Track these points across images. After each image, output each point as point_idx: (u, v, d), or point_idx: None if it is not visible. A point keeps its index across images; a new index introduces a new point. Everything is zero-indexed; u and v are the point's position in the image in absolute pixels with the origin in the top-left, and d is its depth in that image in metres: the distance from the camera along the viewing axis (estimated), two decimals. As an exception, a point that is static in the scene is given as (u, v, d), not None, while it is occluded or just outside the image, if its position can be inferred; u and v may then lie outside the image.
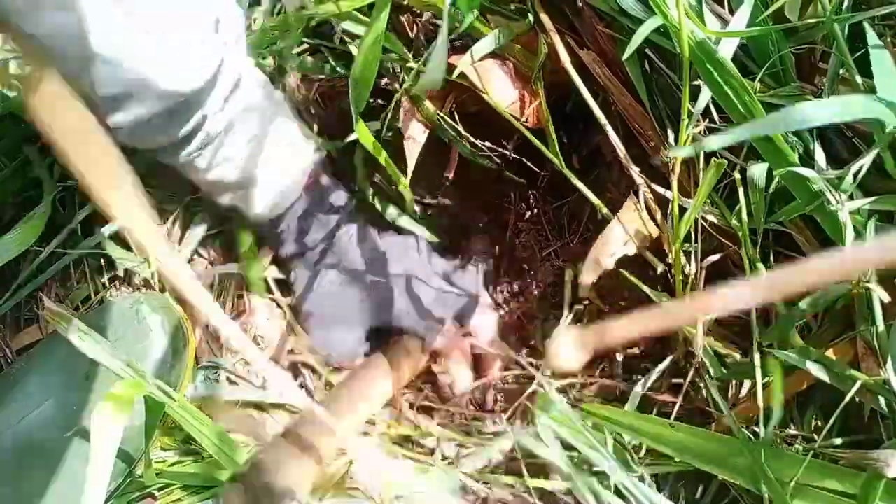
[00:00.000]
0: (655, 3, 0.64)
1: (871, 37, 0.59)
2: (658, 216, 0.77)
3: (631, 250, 0.75)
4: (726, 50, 0.63)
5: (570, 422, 0.69)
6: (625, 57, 0.69)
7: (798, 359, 0.62)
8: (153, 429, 0.64)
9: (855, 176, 0.61)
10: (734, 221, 0.69)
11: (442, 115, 0.85)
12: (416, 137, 0.86)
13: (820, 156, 0.64)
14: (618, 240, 0.75)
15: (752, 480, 0.62)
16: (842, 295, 0.63)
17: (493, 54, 0.85)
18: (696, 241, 0.70)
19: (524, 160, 0.84)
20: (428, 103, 0.85)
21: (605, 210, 0.79)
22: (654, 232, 0.76)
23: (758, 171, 0.66)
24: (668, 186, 0.75)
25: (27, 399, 0.66)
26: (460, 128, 0.85)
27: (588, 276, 0.76)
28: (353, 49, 0.85)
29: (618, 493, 0.66)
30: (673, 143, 0.75)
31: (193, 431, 0.66)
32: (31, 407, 0.66)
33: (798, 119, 0.49)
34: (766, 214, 0.69)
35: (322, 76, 0.90)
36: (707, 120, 0.69)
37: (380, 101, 0.90)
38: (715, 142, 0.47)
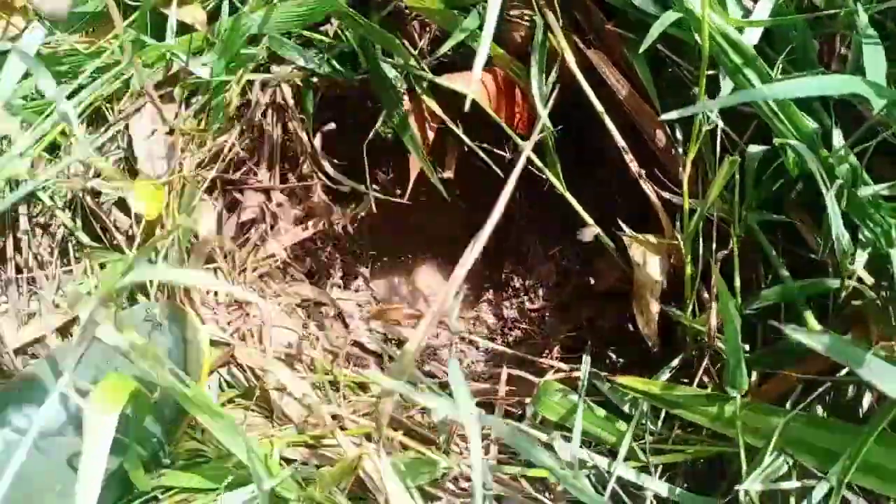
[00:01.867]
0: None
1: (867, 28, 0.62)
2: (663, 217, 0.78)
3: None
4: (751, 38, 0.64)
5: (571, 409, 0.70)
6: (641, 50, 0.69)
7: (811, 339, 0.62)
8: (141, 421, 0.63)
9: (860, 157, 0.62)
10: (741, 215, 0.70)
11: (445, 116, 0.85)
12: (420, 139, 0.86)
13: (839, 140, 0.64)
14: (649, 280, 0.76)
15: (731, 428, 0.63)
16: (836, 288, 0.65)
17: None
18: (714, 237, 0.70)
19: (528, 167, 0.83)
20: (433, 104, 0.85)
21: (611, 245, 0.80)
22: (664, 245, 0.77)
23: (755, 150, 0.67)
24: (668, 187, 0.75)
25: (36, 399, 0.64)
26: (459, 131, 0.85)
27: (650, 326, 0.76)
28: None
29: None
30: (681, 141, 0.76)
31: (204, 420, 0.64)
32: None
33: (801, 88, 0.55)
34: (773, 207, 0.71)
35: (319, 73, 0.88)
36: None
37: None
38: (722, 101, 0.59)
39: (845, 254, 0.63)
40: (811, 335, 0.54)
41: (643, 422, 0.68)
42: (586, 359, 0.73)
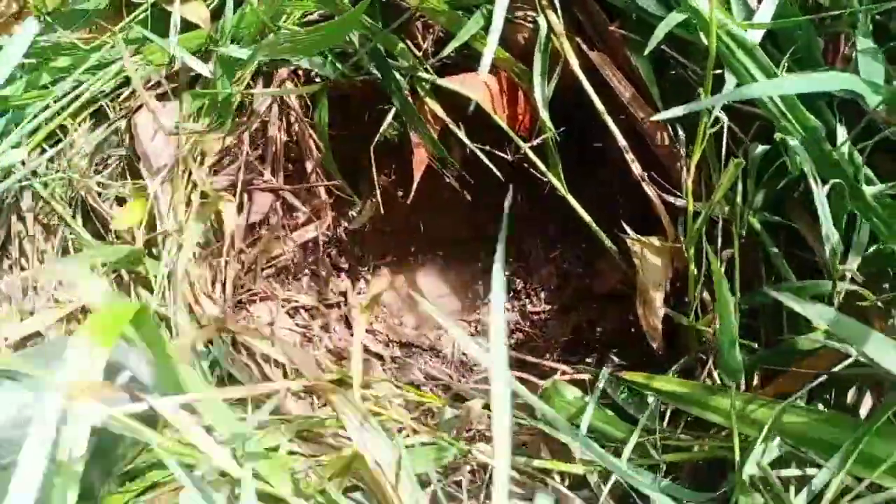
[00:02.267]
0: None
1: (866, 27, 0.64)
2: (665, 220, 0.78)
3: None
4: (754, 37, 0.65)
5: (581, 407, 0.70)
6: (646, 52, 0.70)
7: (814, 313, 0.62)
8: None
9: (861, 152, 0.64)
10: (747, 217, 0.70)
11: (447, 118, 0.85)
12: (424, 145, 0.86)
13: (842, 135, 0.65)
14: (653, 283, 0.76)
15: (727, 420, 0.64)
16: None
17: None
18: (717, 238, 0.70)
19: (530, 169, 0.83)
20: (436, 106, 0.85)
21: (613, 248, 0.80)
22: (667, 247, 0.77)
23: (758, 150, 0.68)
24: (670, 190, 0.76)
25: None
26: (461, 133, 0.85)
27: (655, 329, 0.76)
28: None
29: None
30: (683, 142, 0.76)
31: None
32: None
33: (798, 85, 0.60)
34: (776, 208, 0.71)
35: (322, 74, 0.88)
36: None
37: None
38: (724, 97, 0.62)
39: (835, 252, 0.64)
40: (816, 309, 0.56)
41: (650, 421, 0.68)
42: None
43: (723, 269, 0.70)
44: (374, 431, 0.60)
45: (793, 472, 0.61)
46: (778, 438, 0.62)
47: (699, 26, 0.68)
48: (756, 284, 0.75)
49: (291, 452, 0.67)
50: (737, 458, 0.62)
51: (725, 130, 0.69)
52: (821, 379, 0.64)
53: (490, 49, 0.74)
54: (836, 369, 0.64)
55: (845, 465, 0.57)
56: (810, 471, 0.61)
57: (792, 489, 0.61)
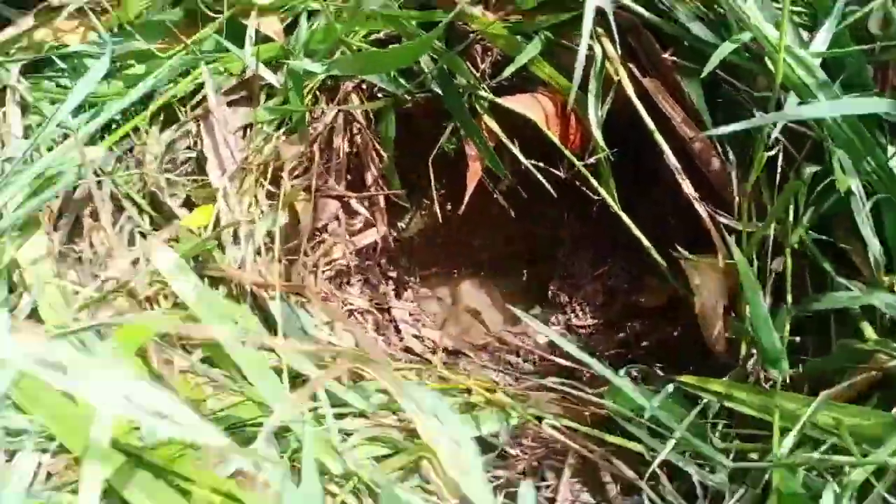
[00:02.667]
0: (753, 25, 0.71)
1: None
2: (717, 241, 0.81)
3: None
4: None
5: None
6: (703, 75, 0.74)
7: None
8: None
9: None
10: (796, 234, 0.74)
11: (502, 135, 0.89)
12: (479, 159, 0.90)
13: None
14: (711, 301, 0.79)
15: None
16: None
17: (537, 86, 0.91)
18: (769, 253, 0.73)
19: (581, 187, 0.87)
20: (493, 123, 0.89)
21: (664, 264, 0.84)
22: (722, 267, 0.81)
23: (808, 170, 0.72)
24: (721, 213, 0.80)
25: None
26: (516, 149, 0.89)
27: (720, 342, 0.79)
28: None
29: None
30: (734, 164, 0.80)
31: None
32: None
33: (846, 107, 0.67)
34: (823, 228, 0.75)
35: (386, 89, 0.92)
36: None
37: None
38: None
39: (878, 262, 0.68)
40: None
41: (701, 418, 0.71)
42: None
43: (771, 281, 0.74)
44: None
45: (840, 458, 0.63)
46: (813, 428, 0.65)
47: (766, 51, 0.72)
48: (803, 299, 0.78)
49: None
50: (775, 436, 0.65)
51: (781, 153, 0.74)
52: (864, 375, 0.67)
53: (574, 90, 0.82)
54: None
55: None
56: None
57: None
